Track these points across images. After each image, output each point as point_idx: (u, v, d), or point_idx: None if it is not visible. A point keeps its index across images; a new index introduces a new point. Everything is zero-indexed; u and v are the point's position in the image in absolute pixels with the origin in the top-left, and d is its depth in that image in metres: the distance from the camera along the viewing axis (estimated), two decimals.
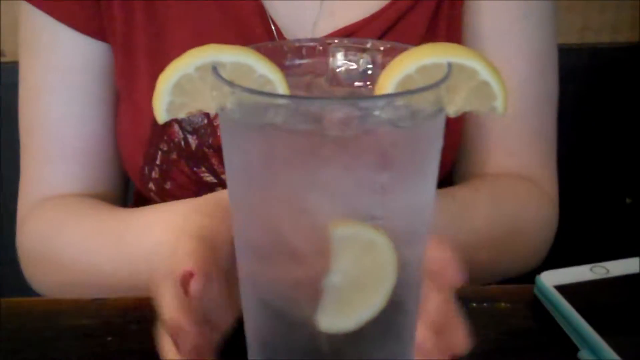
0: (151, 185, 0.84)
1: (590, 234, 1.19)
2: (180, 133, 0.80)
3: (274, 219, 0.41)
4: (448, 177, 0.91)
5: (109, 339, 0.58)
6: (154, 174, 0.83)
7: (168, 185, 0.83)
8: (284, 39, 0.79)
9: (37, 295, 0.83)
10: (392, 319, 0.42)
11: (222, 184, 0.81)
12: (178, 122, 0.79)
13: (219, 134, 0.78)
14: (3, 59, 1.23)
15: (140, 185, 0.86)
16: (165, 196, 0.84)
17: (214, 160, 0.80)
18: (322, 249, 0.39)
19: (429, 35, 0.81)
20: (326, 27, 0.81)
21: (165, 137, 0.80)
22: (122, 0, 0.79)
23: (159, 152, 0.81)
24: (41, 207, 0.82)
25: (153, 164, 0.82)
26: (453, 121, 0.78)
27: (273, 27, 0.79)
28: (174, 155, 0.81)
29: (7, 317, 0.61)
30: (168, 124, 0.79)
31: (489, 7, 0.84)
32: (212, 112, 0.43)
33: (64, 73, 0.82)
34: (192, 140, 0.80)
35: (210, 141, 0.79)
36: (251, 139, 0.41)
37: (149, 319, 0.59)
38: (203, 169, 0.81)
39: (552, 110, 0.88)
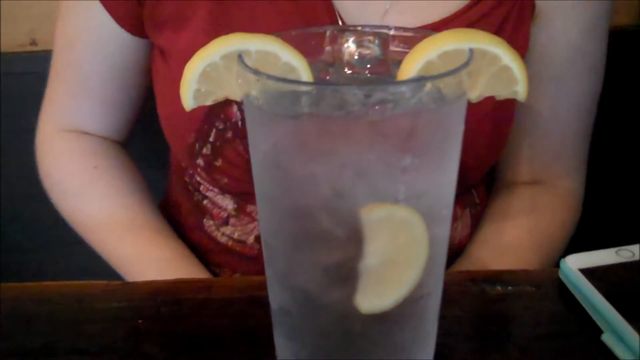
0: (200, 161, 0.86)
1: (616, 217, 1.18)
2: (239, 114, 0.81)
3: (302, 205, 0.42)
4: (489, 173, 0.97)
5: (140, 321, 0.59)
6: (205, 150, 0.84)
7: (219, 162, 0.84)
8: None
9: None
10: (417, 300, 0.43)
11: None
12: (237, 103, 0.80)
13: None
14: (35, 48, 1.25)
15: (187, 160, 0.88)
16: (213, 172, 0.86)
17: None
18: (353, 232, 0.40)
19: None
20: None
21: (222, 116, 0.81)
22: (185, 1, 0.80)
23: (214, 130, 0.82)
24: (62, 143, 0.93)
25: (206, 141, 0.83)
26: (503, 122, 0.84)
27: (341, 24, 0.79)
28: (229, 134, 0.82)
29: (38, 300, 0.62)
30: (227, 104, 0.80)
31: (560, 22, 0.86)
32: (237, 100, 0.43)
33: (101, 36, 0.87)
34: None
35: None
36: (277, 125, 0.42)
37: (179, 302, 0.61)
38: None
39: (593, 116, 0.94)
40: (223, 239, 0.91)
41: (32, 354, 0.56)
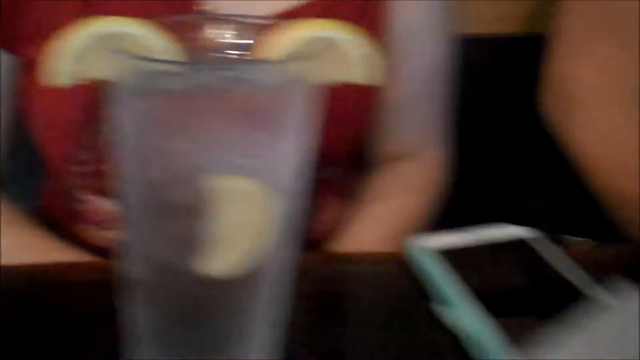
0: (79, 168, 0.84)
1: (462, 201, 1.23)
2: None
3: (153, 177, 0.44)
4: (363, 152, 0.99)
5: None
6: (82, 156, 0.83)
7: (96, 166, 0.83)
8: None
9: None
10: (265, 268, 0.46)
11: None
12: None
13: None
14: None
15: (66, 169, 0.86)
16: (92, 176, 0.85)
17: None
18: (201, 202, 0.43)
19: (361, 20, 0.84)
20: (264, 9, 0.81)
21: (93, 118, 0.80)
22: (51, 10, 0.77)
23: (86, 133, 0.81)
24: None
25: (82, 146, 0.82)
26: (364, 97, 0.86)
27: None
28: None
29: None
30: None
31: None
32: (107, 80, 0.45)
33: None
34: None
35: None
36: (134, 103, 0.43)
37: (39, 284, 0.61)
38: None
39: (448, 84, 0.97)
40: (102, 243, 0.89)
41: None
